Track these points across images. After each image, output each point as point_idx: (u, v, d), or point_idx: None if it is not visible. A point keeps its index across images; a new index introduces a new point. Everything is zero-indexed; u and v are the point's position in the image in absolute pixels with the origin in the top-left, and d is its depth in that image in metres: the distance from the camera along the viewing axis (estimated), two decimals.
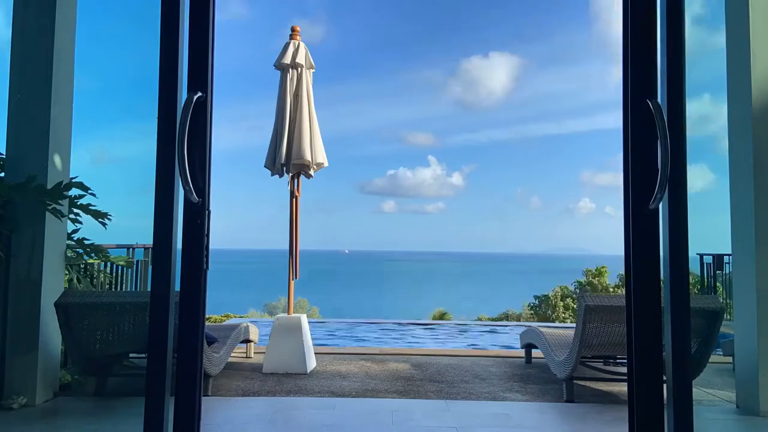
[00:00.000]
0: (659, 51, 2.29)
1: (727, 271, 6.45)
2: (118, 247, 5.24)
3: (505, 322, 15.10)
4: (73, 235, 4.40)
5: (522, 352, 5.93)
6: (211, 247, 2.35)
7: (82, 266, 4.69)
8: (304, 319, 5.45)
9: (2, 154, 4.00)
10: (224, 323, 8.29)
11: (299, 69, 5.53)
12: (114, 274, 5.14)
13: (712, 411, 4.00)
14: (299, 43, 5.56)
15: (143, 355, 3.54)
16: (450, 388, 4.68)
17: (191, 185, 2.21)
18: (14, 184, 3.81)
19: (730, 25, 4.00)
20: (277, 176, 5.55)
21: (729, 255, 5.94)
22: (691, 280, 2.31)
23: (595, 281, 26.34)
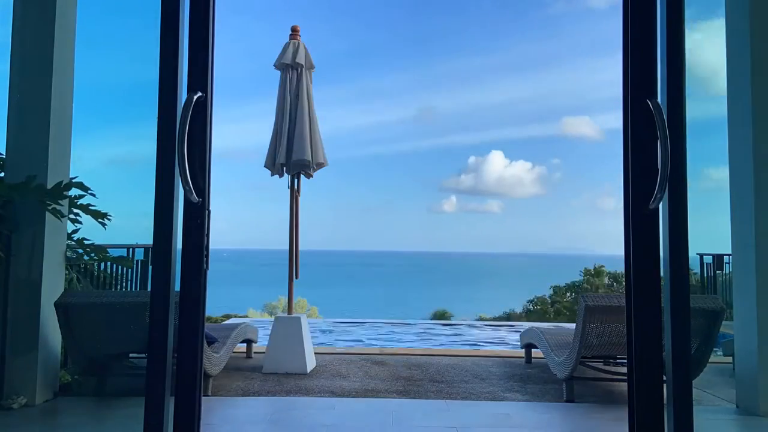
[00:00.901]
0: (659, 51, 2.29)
1: (727, 271, 6.44)
2: (118, 247, 5.24)
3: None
4: (73, 235, 4.40)
5: (522, 352, 5.93)
6: (211, 246, 2.36)
7: (82, 266, 4.69)
8: (304, 319, 5.45)
9: (2, 154, 4.00)
10: (224, 323, 8.29)
11: (299, 69, 5.53)
12: (114, 274, 5.14)
13: (712, 411, 4.00)
14: (299, 43, 5.56)
15: (143, 355, 3.54)
16: (450, 388, 4.67)
17: (191, 185, 2.22)
18: (14, 184, 3.80)
19: (730, 24, 4.00)
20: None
21: (729, 255, 5.93)
22: (690, 280, 2.31)
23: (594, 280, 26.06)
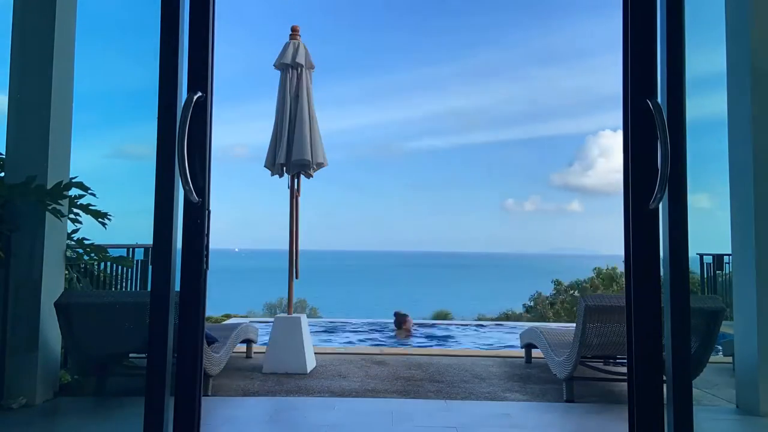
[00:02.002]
0: (659, 51, 2.29)
1: (727, 271, 6.44)
2: (118, 247, 5.24)
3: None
4: (73, 235, 4.40)
5: (522, 352, 5.93)
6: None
7: (82, 266, 4.69)
8: (304, 319, 5.45)
9: (2, 154, 4.00)
10: (224, 323, 8.30)
11: (299, 69, 5.53)
12: (114, 274, 5.14)
13: (712, 411, 4.00)
14: (299, 43, 5.56)
15: (143, 355, 3.54)
16: (450, 388, 4.67)
17: (191, 185, 2.21)
18: (14, 184, 3.80)
19: (730, 22, 4.00)
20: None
21: (729, 255, 5.93)
22: (691, 280, 2.31)
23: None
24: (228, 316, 14.04)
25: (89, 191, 4.25)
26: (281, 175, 5.54)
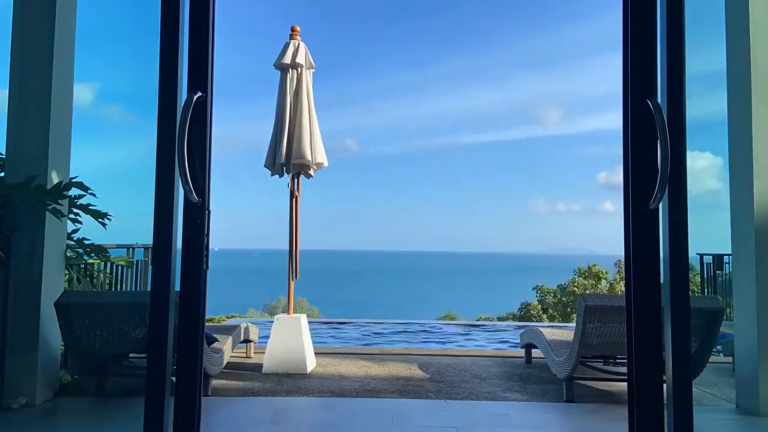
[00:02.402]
0: (659, 51, 2.29)
1: (727, 271, 6.44)
2: (118, 247, 5.24)
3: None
4: (73, 235, 4.40)
5: (522, 352, 5.93)
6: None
7: (82, 266, 4.69)
8: (303, 319, 5.45)
9: (2, 154, 4.00)
10: (224, 323, 8.29)
11: (299, 69, 5.53)
12: (114, 274, 5.14)
13: (712, 411, 4.00)
14: (299, 43, 5.56)
15: (143, 355, 3.54)
16: (450, 388, 4.67)
17: (191, 185, 2.21)
18: (14, 184, 3.81)
19: (730, 21, 4.00)
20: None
21: (729, 255, 5.93)
22: (691, 280, 2.31)
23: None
24: (232, 316, 14.05)
25: (89, 191, 4.25)
26: (281, 175, 5.54)
